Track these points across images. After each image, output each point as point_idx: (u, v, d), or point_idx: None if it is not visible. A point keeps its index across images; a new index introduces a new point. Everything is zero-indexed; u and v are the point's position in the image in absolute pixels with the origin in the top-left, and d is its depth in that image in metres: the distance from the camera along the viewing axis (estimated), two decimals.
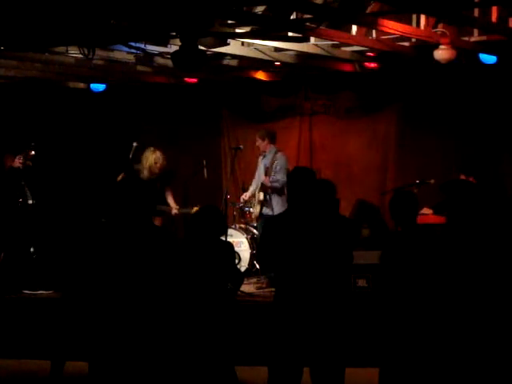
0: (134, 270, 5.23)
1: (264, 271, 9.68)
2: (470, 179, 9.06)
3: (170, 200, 10.33)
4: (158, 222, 9.73)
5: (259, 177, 10.32)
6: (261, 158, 10.44)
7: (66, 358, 7.31)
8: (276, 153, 10.25)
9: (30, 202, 9.95)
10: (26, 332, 8.71)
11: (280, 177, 10.08)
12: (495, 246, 5.64)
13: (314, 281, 5.36)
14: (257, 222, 10.49)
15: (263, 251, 5.71)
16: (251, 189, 10.55)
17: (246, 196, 10.63)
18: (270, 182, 10.08)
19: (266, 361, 5.62)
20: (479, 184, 8.92)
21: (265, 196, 10.14)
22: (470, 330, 5.47)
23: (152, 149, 10.21)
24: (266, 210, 10.12)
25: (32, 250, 9.93)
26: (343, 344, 5.45)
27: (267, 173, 10.08)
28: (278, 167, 10.14)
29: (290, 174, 5.78)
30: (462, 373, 5.52)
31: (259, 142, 10.33)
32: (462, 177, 9.27)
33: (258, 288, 9.72)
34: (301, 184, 5.55)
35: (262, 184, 10.13)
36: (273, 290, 9.11)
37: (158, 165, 10.15)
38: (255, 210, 10.31)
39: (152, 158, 10.13)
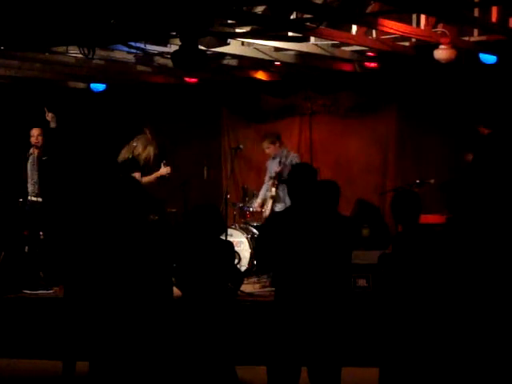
0: (130, 268, 5.25)
1: (262, 270, 9.60)
2: (487, 131, 8.86)
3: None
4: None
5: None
6: (269, 161, 10.38)
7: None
8: (288, 153, 10.21)
9: (34, 199, 9.97)
10: (26, 332, 8.72)
11: None
12: (498, 246, 5.62)
13: (313, 280, 5.36)
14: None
15: (261, 249, 5.70)
16: (261, 196, 10.35)
17: (258, 205, 10.33)
18: None
19: (265, 361, 5.62)
20: (494, 135, 8.71)
21: (277, 191, 10.01)
22: (471, 330, 5.47)
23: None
24: (278, 207, 9.99)
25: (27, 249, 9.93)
26: (340, 343, 5.45)
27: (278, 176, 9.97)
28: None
29: (290, 172, 5.74)
30: (461, 373, 5.51)
31: (271, 148, 10.22)
32: (481, 128, 8.97)
33: (262, 287, 9.50)
34: (301, 181, 5.54)
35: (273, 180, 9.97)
36: (273, 289, 9.23)
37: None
38: (266, 206, 10.14)
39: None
